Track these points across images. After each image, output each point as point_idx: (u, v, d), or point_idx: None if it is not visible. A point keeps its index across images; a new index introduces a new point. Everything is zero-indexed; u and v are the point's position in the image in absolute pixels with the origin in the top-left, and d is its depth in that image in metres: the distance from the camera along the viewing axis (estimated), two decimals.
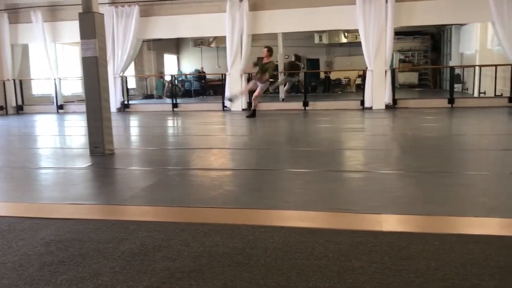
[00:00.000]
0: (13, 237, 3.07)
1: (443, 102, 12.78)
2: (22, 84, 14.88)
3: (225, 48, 13.97)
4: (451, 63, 18.68)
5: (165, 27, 13.65)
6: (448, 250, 2.64)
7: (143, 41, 14.95)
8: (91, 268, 2.54)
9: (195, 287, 2.28)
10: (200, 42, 21.80)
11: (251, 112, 10.87)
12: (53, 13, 14.09)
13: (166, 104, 15.30)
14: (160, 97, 19.74)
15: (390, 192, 4.04)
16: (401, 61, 22.19)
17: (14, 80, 14.60)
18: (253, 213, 3.53)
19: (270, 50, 10.73)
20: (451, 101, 12.49)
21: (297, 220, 3.33)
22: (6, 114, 14.49)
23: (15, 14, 14.36)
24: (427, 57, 22.17)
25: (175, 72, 22.29)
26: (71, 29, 13.32)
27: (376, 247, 2.70)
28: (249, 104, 11.08)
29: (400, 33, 19.91)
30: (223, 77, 14.02)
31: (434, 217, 3.30)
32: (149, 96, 20.33)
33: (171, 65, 23.71)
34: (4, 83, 14.50)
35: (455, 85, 15.56)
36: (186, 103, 15.37)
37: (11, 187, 4.71)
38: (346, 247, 2.71)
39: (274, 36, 16.56)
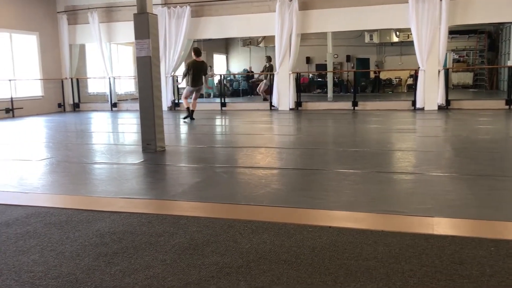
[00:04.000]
0: (71, 228, 3.22)
1: (500, 104, 12.26)
2: (79, 83, 15.55)
3: (273, 47, 14.01)
4: (510, 63, 17.86)
5: (215, 27, 13.85)
6: (504, 256, 2.54)
7: (194, 41, 15.21)
8: (143, 260, 2.62)
9: (242, 283, 2.31)
10: (249, 42, 21.99)
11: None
12: (109, 14, 14.63)
13: (214, 103, 15.52)
14: (208, 96, 20.02)
15: (442, 195, 3.93)
16: (455, 60, 21.48)
17: (71, 79, 15.28)
18: (300, 212, 3.53)
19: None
20: (509, 102, 11.96)
21: (345, 220, 3.30)
22: (64, 111, 15.17)
23: (74, 16, 15.02)
24: (483, 56, 21.31)
25: (224, 72, 22.57)
26: (125, 29, 13.83)
27: (427, 250, 2.64)
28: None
29: (454, 32, 19.27)
30: (271, 77, 14.06)
31: (489, 222, 3.18)
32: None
33: (220, 64, 24.02)
34: (62, 82, 15.20)
35: None
36: (234, 102, 15.53)
37: (69, 180, 4.93)
38: (395, 249, 2.67)
39: (323, 35, 16.45)
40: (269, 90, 14.71)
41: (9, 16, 13.21)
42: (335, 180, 4.64)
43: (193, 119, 10.88)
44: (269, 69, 15.32)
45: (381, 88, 20.58)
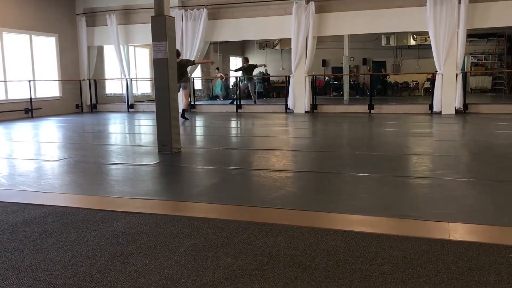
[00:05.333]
0: (87, 228, 3.25)
1: None
2: (96, 84, 15.72)
3: (289, 50, 14.01)
4: None
5: (232, 29, 13.90)
6: None
7: (210, 43, 15.29)
8: (158, 260, 2.64)
9: (256, 285, 2.31)
10: (265, 45, 22.00)
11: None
12: (126, 16, 14.78)
13: (230, 105, 15.56)
14: (217, 97, 20.01)
15: (459, 200, 3.88)
16: (473, 64, 21.21)
17: (89, 80, 15.46)
18: (315, 216, 3.52)
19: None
20: None
21: (360, 224, 3.28)
22: (81, 112, 15.36)
23: (92, 18, 15.20)
24: (502, 60, 21.00)
25: (239, 74, 22.60)
26: (142, 31, 13.97)
27: (443, 256, 2.61)
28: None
29: (473, 35, 19.05)
30: (287, 79, 14.06)
31: (508, 228, 3.12)
32: (214, 97, 20.75)
33: (236, 67, 24.05)
34: (80, 83, 15.39)
35: None
36: (250, 104, 15.55)
37: (86, 181, 4.99)
38: (411, 254, 2.64)
39: (340, 38, 16.41)
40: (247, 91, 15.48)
41: (29, 18, 13.42)
42: (351, 184, 4.61)
43: (187, 118, 11.53)
44: (249, 70, 15.88)
45: (396, 92, 20.36)
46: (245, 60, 16.62)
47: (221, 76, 19.61)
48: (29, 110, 13.30)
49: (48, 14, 14.11)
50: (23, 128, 10.56)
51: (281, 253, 2.72)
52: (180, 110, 11.38)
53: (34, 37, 13.73)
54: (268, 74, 22.10)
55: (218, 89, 20.20)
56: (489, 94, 19.64)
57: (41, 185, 4.72)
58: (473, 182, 4.52)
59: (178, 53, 11.28)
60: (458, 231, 3.08)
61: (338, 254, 2.68)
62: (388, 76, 20.47)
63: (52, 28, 14.30)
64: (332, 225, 3.24)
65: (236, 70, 16.90)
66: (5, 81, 12.74)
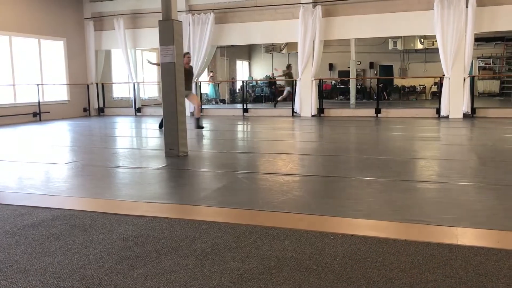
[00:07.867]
0: (95, 231, 3.27)
1: None
2: (104, 88, 15.81)
3: (296, 54, 14.02)
4: None
5: (239, 34, 13.94)
6: None
7: (217, 47, 15.33)
8: (165, 264, 2.65)
9: None
10: (271, 48, 22.03)
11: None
12: (134, 20, 14.87)
13: (236, 109, 15.58)
14: (216, 102, 19.89)
15: (467, 204, 3.86)
16: (481, 68, 21.12)
17: (97, 84, 15.56)
18: (322, 220, 3.51)
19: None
20: None
21: (368, 229, 3.27)
22: (89, 115, 15.44)
23: (100, 22, 15.31)
24: (510, 64, 20.90)
25: (246, 78, 22.65)
26: (150, 36, 14.04)
27: (451, 261, 2.60)
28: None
29: (480, 39, 18.97)
30: (294, 83, 14.06)
31: None
32: (221, 101, 20.79)
33: (243, 71, 24.14)
34: (88, 87, 15.49)
35: None
36: (256, 108, 15.56)
37: (93, 184, 5.01)
38: (419, 259, 2.63)
39: (346, 42, 16.39)
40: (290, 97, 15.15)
41: (38, 22, 13.54)
42: (358, 188, 4.60)
43: (202, 127, 10.46)
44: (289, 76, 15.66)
45: (404, 95, 20.29)
46: (288, 67, 16.39)
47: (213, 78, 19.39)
48: (37, 113, 13.40)
49: (56, 18, 14.23)
50: (31, 132, 10.63)
51: (288, 257, 2.72)
52: (193, 119, 10.58)
53: (43, 41, 13.85)
54: (275, 78, 22.10)
55: (210, 92, 19.92)
56: (497, 98, 19.54)
57: (49, 188, 4.75)
58: (481, 187, 4.49)
59: (189, 59, 9.77)
60: (467, 236, 3.06)
61: (345, 258, 2.68)
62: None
63: (61, 32, 14.42)
64: (339, 230, 3.23)
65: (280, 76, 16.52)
66: (13, 85, 12.85)
